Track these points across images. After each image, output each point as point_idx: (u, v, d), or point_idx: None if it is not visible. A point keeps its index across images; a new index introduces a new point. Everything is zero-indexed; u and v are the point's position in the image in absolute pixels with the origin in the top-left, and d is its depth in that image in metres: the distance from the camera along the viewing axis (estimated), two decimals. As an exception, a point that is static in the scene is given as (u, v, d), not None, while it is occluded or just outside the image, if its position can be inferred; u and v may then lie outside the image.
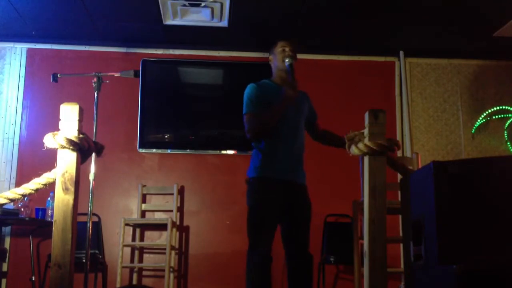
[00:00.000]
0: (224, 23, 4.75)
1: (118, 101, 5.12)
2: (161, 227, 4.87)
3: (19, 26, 4.85)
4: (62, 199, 1.93)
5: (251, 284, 2.95)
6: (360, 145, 2.07)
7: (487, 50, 5.24)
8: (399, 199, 2.69)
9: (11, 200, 2.05)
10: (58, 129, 1.97)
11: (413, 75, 5.40)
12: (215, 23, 4.77)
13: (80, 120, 1.98)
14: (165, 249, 4.62)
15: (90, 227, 3.60)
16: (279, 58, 3.19)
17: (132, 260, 4.90)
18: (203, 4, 4.47)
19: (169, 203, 5.03)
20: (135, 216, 4.95)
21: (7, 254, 4.77)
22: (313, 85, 5.02)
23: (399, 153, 4.94)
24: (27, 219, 4.42)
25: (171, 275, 4.61)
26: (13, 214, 4.36)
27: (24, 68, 5.15)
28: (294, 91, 3.03)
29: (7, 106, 5.08)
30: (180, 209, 5.04)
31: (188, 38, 5.15)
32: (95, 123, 3.75)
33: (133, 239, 4.94)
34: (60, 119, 1.98)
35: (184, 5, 4.51)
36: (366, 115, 2.08)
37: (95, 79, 3.82)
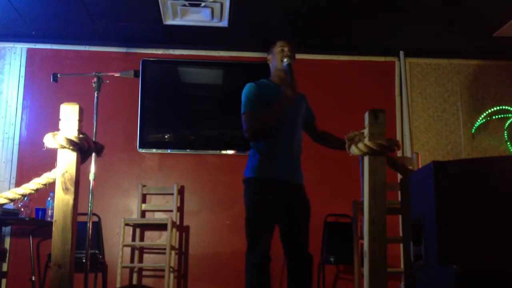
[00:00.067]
0: (224, 23, 4.75)
1: (118, 101, 5.12)
2: (161, 227, 4.87)
3: (19, 26, 4.85)
4: (62, 199, 1.93)
5: (250, 284, 2.95)
6: (360, 145, 2.07)
7: (487, 50, 5.24)
8: (399, 199, 2.69)
9: (11, 200, 2.05)
10: (58, 129, 1.97)
11: (413, 75, 5.40)
12: (215, 23, 4.77)
13: (80, 120, 1.98)
14: (165, 249, 4.62)
15: (90, 227, 3.60)
16: (277, 58, 3.19)
17: (132, 260, 4.90)
18: (203, 4, 4.47)
19: (169, 203, 5.03)
20: (135, 216, 4.95)
21: (7, 254, 4.77)
22: (313, 85, 5.05)
23: (399, 153, 4.94)
24: (27, 219, 4.42)
25: (171, 275, 4.61)
26: (13, 214, 4.36)
27: (24, 68, 5.15)
28: (293, 91, 3.03)
29: (7, 106, 5.08)
30: (180, 209, 5.05)
31: (188, 38, 5.15)
32: (95, 123, 3.75)
33: (133, 239, 4.94)
34: (60, 119, 1.98)
35: (184, 5, 4.51)
36: (366, 115, 2.08)
37: (95, 79, 3.82)
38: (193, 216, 5.05)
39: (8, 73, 5.14)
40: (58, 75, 4.01)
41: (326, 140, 3.38)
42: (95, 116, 3.76)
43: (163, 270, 4.62)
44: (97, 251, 4.55)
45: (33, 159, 4.82)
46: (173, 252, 4.75)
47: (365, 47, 5.29)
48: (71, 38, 5.13)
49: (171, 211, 4.94)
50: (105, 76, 3.89)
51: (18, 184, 4.77)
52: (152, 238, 5.00)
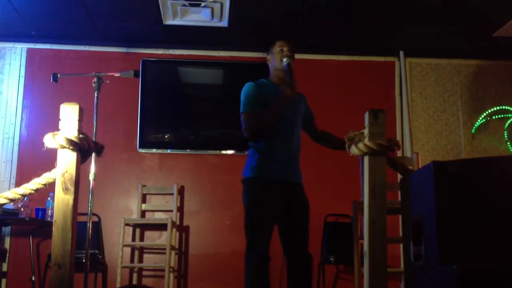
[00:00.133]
0: (224, 23, 4.75)
1: (118, 101, 5.12)
2: (161, 227, 4.87)
3: (19, 26, 4.85)
4: (62, 199, 1.93)
5: (249, 284, 2.95)
6: (360, 145, 2.07)
7: (487, 50, 5.24)
8: (399, 199, 2.69)
9: (11, 200, 2.04)
10: (58, 129, 1.97)
11: (413, 75, 5.40)
12: (215, 23, 4.77)
13: (80, 120, 1.98)
14: (165, 249, 4.62)
15: (90, 227, 3.60)
16: (277, 58, 3.20)
17: (132, 260, 4.90)
18: (203, 4, 4.47)
19: (169, 203, 5.03)
20: (135, 216, 4.95)
21: (7, 254, 4.77)
22: (313, 85, 5.05)
23: (399, 153, 4.94)
24: (27, 219, 4.42)
25: (171, 275, 4.61)
26: (13, 214, 4.36)
27: (24, 68, 5.15)
28: (292, 91, 3.03)
29: (7, 106, 5.08)
30: (180, 209, 5.05)
31: (188, 38, 5.15)
32: (95, 123, 3.75)
33: (133, 239, 4.94)
34: (60, 119, 1.98)
35: (184, 5, 4.51)
36: (366, 115, 2.08)
37: (95, 79, 3.82)
38: (193, 216, 5.05)
39: (8, 73, 5.14)
40: (58, 75, 4.00)
41: (326, 140, 3.38)
42: (95, 116, 3.75)
43: (163, 270, 4.62)
44: (97, 251, 4.55)
45: (33, 159, 4.82)
46: (173, 252, 4.75)
47: (365, 47, 5.29)
48: (71, 38, 5.13)
49: (171, 211, 4.94)
50: (105, 76, 3.89)
51: (18, 184, 4.77)
52: (152, 238, 5.00)
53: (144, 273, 4.95)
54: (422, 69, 5.42)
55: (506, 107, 5.30)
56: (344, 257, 4.47)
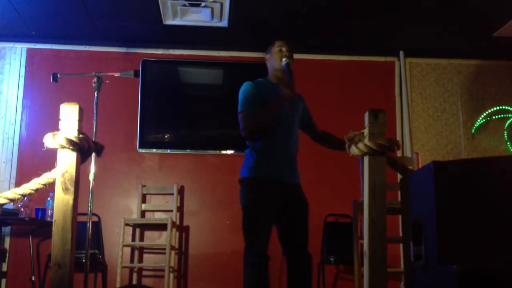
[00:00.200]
0: (224, 23, 4.75)
1: (118, 101, 5.12)
2: (161, 227, 4.87)
3: (19, 26, 4.85)
4: (62, 199, 1.93)
5: (248, 284, 2.94)
6: (360, 145, 2.07)
7: (487, 50, 5.24)
8: (399, 199, 2.69)
9: (11, 200, 2.04)
10: (58, 129, 1.97)
11: (413, 75, 5.40)
12: (215, 23, 4.77)
13: (80, 120, 1.98)
14: (165, 249, 4.62)
15: (90, 227, 3.60)
16: (276, 58, 3.19)
17: (132, 260, 4.90)
18: (203, 4, 4.47)
19: (169, 203, 5.03)
20: (135, 216, 4.95)
21: (7, 254, 4.77)
22: (313, 85, 5.05)
23: (399, 153, 4.94)
24: (27, 219, 4.42)
25: (171, 275, 4.61)
26: (13, 214, 4.36)
27: (24, 68, 5.15)
28: (290, 91, 3.03)
29: (7, 106, 5.08)
30: (180, 209, 5.05)
31: (188, 38, 5.15)
32: (95, 123, 3.75)
33: (133, 239, 4.94)
34: (60, 119, 1.98)
35: (184, 5, 4.51)
36: (366, 115, 2.08)
37: (95, 79, 3.82)
38: (193, 216, 5.05)
39: (8, 73, 5.14)
40: (58, 75, 4.00)
41: (326, 140, 3.37)
42: (95, 116, 3.75)
43: (163, 270, 4.62)
44: (97, 251, 4.55)
45: (33, 159, 4.82)
46: (173, 252, 4.75)
47: (365, 47, 5.29)
48: (71, 38, 5.13)
49: (171, 211, 4.94)
50: (105, 76, 3.89)
51: (18, 184, 4.77)
52: (152, 238, 5.00)
53: (144, 273, 4.95)
54: (422, 69, 5.42)
55: (506, 107, 5.30)
56: (344, 257, 4.47)
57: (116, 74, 3.99)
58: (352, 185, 4.52)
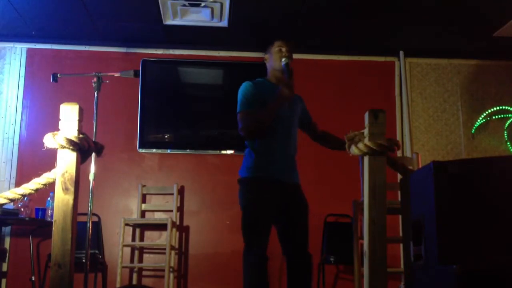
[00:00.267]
0: (224, 23, 4.75)
1: (118, 101, 5.12)
2: (161, 227, 4.87)
3: (19, 26, 4.85)
4: (62, 199, 1.93)
5: (248, 284, 2.94)
6: (360, 145, 2.07)
7: (487, 50, 5.24)
8: (399, 199, 2.69)
9: (11, 200, 2.04)
10: (58, 129, 1.97)
11: (413, 75, 5.40)
12: (215, 23, 4.77)
13: (80, 120, 1.98)
14: (165, 249, 4.62)
15: (90, 227, 3.60)
16: (275, 58, 3.19)
17: (132, 260, 4.90)
18: (203, 4, 4.47)
19: (169, 203, 5.03)
20: (135, 216, 4.95)
21: (7, 254, 4.77)
22: (313, 85, 5.05)
23: (399, 153, 4.94)
24: (27, 219, 4.42)
25: (171, 275, 4.61)
26: (13, 214, 4.36)
27: (24, 68, 5.15)
28: (290, 91, 3.02)
29: (7, 106, 5.08)
30: (180, 209, 5.05)
31: (188, 38, 5.15)
32: (95, 123, 3.75)
33: (133, 239, 4.94)
34: (60, 119, 1.98)
35: (184, 5, 4.51)
36: (366, 115, 2.08)
37: (95, 79, 3.82)
38: (193, 216, 5.05)
39: (8, 73, 5.14)
40: (58, 75, 4.00)
41: (326, 140, 3.37)
42: (95, 116, 3.75)
43: (163, 270, 4.62)
44: (97, 251, 4.55)
45: (33, 159, 4.82)
46: (173, 252, 4.75)
47: (365, 47, 5.29)
48: (71, 38, 5.13)
49: (171, 211, 4.94)
50: (105, 76, 3.89)
51: (18, 184, 4.77)
52: (152, 238, 5.00)
53: (144, 273, 4.95)
54: (422, 69, 5.42)
55: (506, 107, 5.30)
56: (344, 257, 4.47)
57: (116, 74, 3.99)
58: (352, 185, 4.52)
